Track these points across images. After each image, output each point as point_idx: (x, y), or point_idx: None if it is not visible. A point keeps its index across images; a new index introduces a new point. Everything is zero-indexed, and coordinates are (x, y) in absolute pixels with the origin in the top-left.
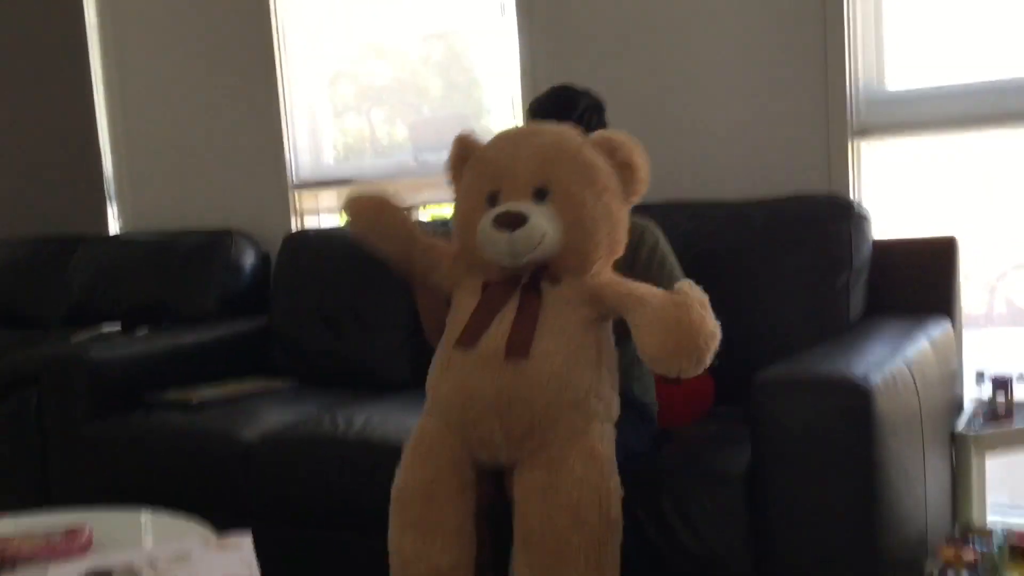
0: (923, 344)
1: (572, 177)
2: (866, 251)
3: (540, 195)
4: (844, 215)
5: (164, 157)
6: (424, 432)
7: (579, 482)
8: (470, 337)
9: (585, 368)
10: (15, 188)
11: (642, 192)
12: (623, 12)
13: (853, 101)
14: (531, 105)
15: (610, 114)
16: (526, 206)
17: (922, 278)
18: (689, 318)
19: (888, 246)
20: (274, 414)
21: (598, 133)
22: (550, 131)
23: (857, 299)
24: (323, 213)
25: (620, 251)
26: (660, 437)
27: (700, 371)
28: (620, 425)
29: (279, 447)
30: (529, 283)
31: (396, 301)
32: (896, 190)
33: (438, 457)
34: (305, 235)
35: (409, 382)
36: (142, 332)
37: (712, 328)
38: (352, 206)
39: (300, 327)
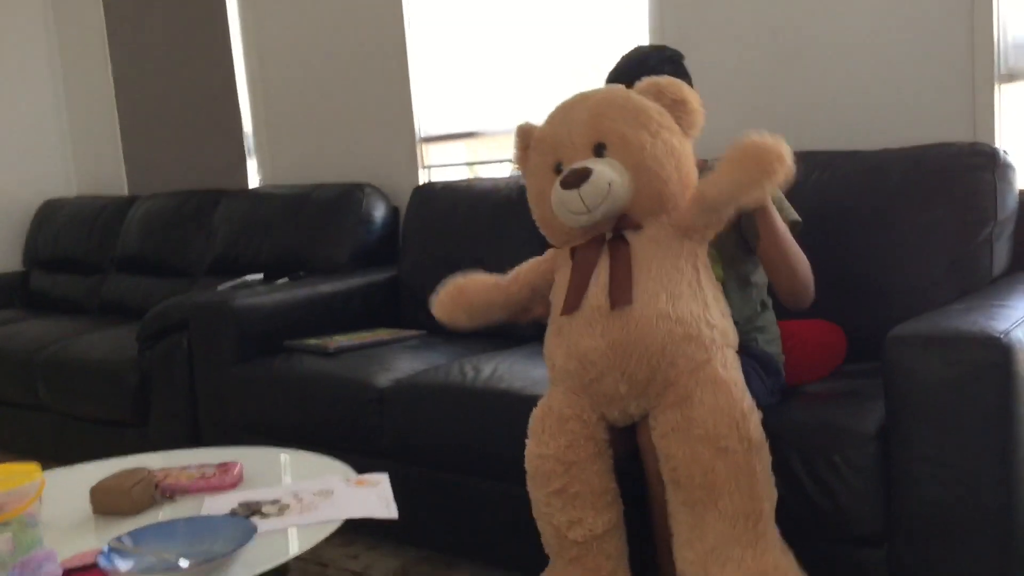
0: None
1: (625, 124)
2: (1012, 202)
3: (599, 150)
4: (989, 164)
5: (299, 113)
6: (552, 402)
7: (711, 411)
8: (572, 301)
9: (690, 300)
10: (164, 146)
11: (700, 124)
12: None
13: (1000, 45)
14: (608, 74)
15: (744, 62)
16: (588, 161)
17: None
18: (748, 137)
19: None
20: (405, 362)
21: (646, 80)
22: (596, 92)
23: (1001, 253)
24: (449, 166)
25: (693, 184)
26: (787, 392)
27: (785, 173)
28: (745, 376)
29: (410, 393)
30: (614, 236)
31: (522, 253)
32: None
33: (570, 424)
34: (432, 187)
35: (533, 335)
36: (282, 282)
37: (777, 142)
38: (441, 312)
39: (428, 278)
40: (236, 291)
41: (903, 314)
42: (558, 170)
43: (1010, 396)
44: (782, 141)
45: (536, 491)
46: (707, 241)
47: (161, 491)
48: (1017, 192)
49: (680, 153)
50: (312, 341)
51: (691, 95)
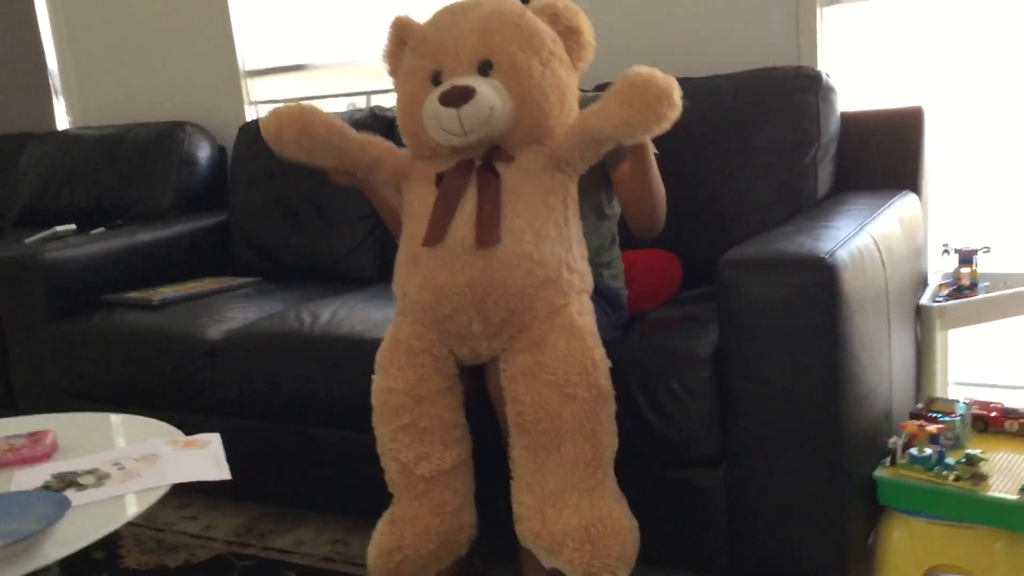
0: (890, 219)
1: (516, 46)
2: (834, 125)
3: (485, 68)
4: (812, 87)
5: (110, 48)
6: (400, 335)
7: (563, 358)
8: (436, 233)
9: (555, 241)
10: None
11: (589, 58)
12: None
13: None
14: None
15: None
16: (472, 80)
17: (890, 151)
18: (639, 73)
19: (856, 118)
20: (238, 311)
21: (535, 1)
22: (489, 2)
23: (825, 174)
24: (278, 102)
25: (572, 118)
26: (629, 322)
27: (675, 116)
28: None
29: (244, 344)
30: (483, 165)
31: (358, 193)
32: (864, 59)
33: (420, 357)
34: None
35: (374, 276)
36: (98, 232)
37: (666, 76)
38: (271, 126)
39: (260, 222)
40: (45, 243)
41: (736, 238)
42: (436, 81)
43: (835, 315)
44: (673, 81)
45: (383, 426)
46: (579, 175)
47: None
48: (839, 114)
49: (566, 87)
50: (133, 294)
51: (586, 25)
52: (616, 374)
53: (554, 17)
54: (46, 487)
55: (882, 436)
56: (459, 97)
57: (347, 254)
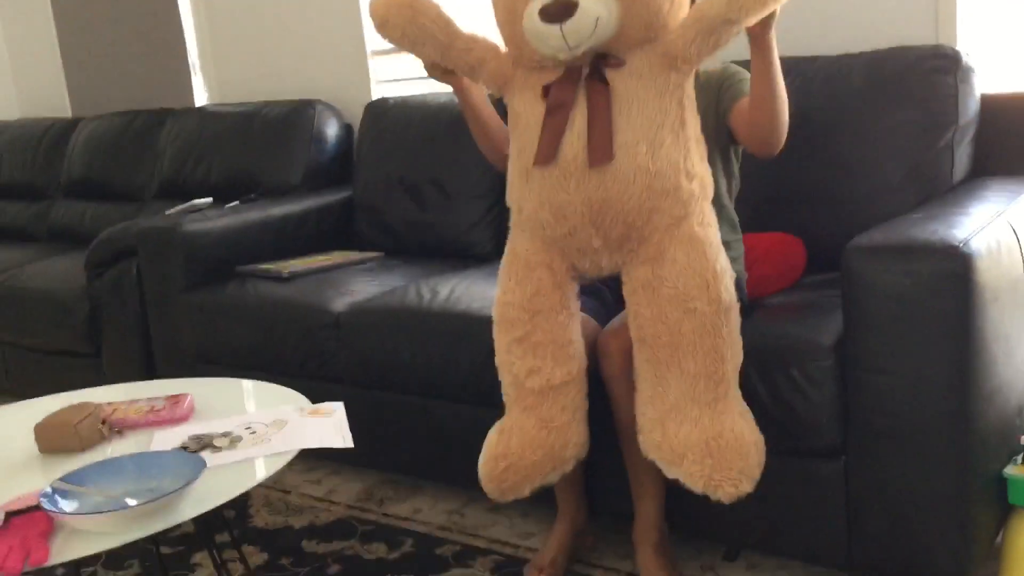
0: None
1: None
2: (973, 107)
3: None
4: (951, 67)
5: (245, 28)
6: (518, 248)
7: (683, 271)
8: (546, 153)
9: (671, 148)
10: (102, 64)
11: None
12: None
13: None
14: None
15: None
16: None
17: None
18: None
19: (997, 101)
20: (361, 285)
21: None
22: None
23: (962, 158)
24: (403, 80)
25: (684, 9)
26: (749, 308)
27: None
28: None
29: (366, 317)
30: (592, 73)
31: (478, 171)
32: (1006, 39)
33: (537, 272)
34: (385, 103)
35: (492, 253)
36: (232, 205)
37: None
38: (380, 9)
39: (383, 198)
40: (184, 216)
41: (863, 222)
42: None
43: (968, 306)
44: None
45: (500, 337)
46: (694, 70)
47: (109, 426)
48: (978, 96)
49: None
50: (266, 266)
51: None
52: None
53: None
54: (183, 448)
55: (1015, 433)
56: (561, 12)
57: (467, 231)
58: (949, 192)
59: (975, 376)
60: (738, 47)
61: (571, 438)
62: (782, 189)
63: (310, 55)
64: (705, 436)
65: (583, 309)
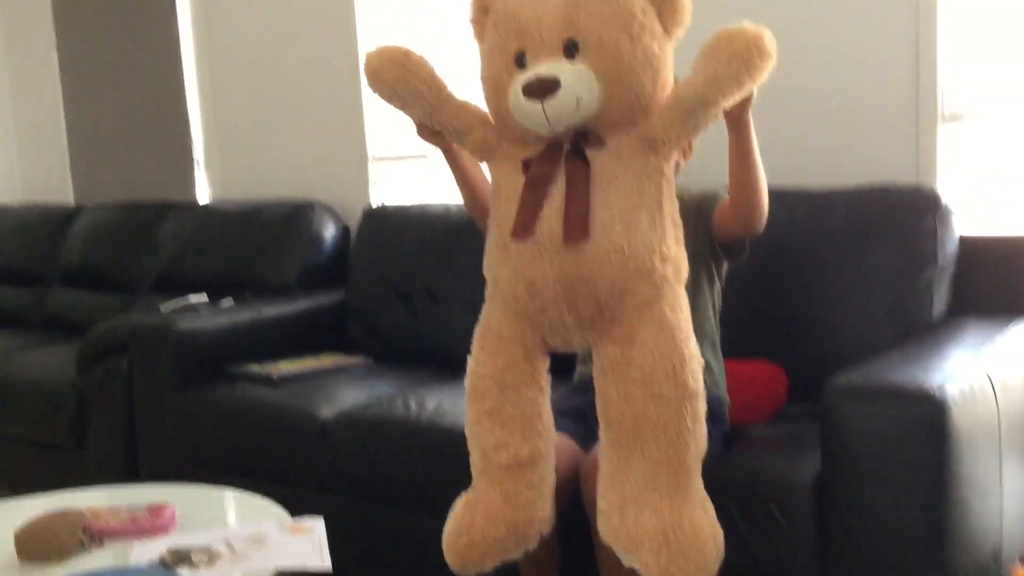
0: (1006, 350)
1: (603, 23)
2: (952, 248)
3: (571, 50)
4: (930, 208)
5: (251, 127)
6: (491, 320)
7: (651, 355)
8: (524, 226)
9: (647, 230)
10: (111, 155)
11: (685, 22)
12: None
13: (943, 85)
14: None
15: None
16: (557, 66)
17: (1009, 278)
18: (725, 28)
19: (975, 242)
20: (350, 392)
21: None
22: None
23: (941, 297)
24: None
25: (667, 93)
26: (731, 436)
27: (766, 66)
28: None
29: (353, 427)
30: (572, 150)
31: (471, 282)
32: (984, 184)
33: (509, 345)
34: (384, 210)
35: None
36: (227, 303)
37: (756, 26)
38: (373, 61)
39: (376, 302)
40: (178, 313)
41: (845, 355)
42: (520, 62)
43: (943, 452)
44: (763, 29)
45: (470, 408)
46: (674, 154)
47: (89, 536)
48: (957, 236)
49: (659, 61)
50: (256, 368)
51: None
52: (714, 490)
53: None
54: (162, 562)
55: None
56: (544, 90)
57: (456, 339)
58: (928, 331)
59: (950, 522)
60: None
61: (536, 514)
62: (766, 317)
63: (313, 157)
64: (663, 525)
65: (563, 431)
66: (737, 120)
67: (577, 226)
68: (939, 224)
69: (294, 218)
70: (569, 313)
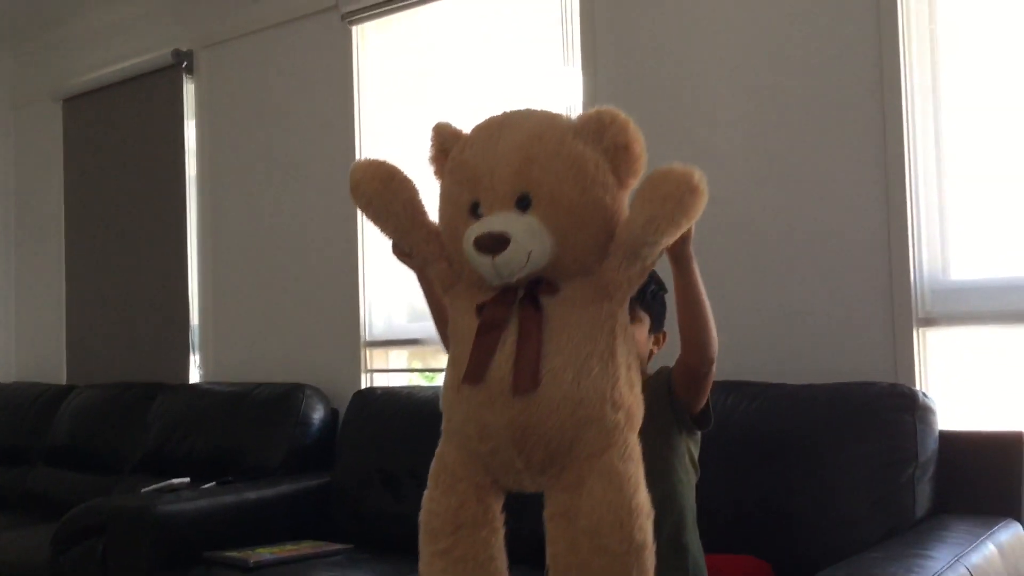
0: (989, 549)
1: (555, 177)
2: (932, 444)
3: (523, 202)
4: (909, 406)
5: (248, 310)
6: (446, 458)
7: (598, 505)
8: (475, 372)
9: (599, 377)
10: (103, 334)
11: (640, 173)
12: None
13: (917, 290)
14: None
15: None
16: (508, 221)
17: (991, 475)
18: (657, 169)
19: (955, 438)
20: None
21: (582, 114)
22: (528, 121)
23: (923, 493)
24: (393, 372)
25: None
26: None
27: (699, 203)
28: None
29: None
30: (526, 296)
31: None
32: (962, 381)
33: (462, 484)
34: (373, 392)
35: None
36: (209, 487)
37: (685, 165)
38: (357, 172)
39: (361, 485)
40: (159, 495)
41: (829, 550)
42: (474, 211)
43: None
44: (692, 168)
45: (424, 547)
46: (628, 298)
47: None
48: (937, 433)
49: (612, 212)
50: (232, 553)
51: (635, 138)
52: None
53: (599, 133)
54: None
55: None
56: (493, 245)
57: None
58: (911, 529)
59: None
60: None
61: None
62: (749, 511)
63: (307, 340)
64: None
65: None
66: (678, 255)
67: (527, 376)
68: (918, 421)
69: (283, 400)
70: (520, 458)
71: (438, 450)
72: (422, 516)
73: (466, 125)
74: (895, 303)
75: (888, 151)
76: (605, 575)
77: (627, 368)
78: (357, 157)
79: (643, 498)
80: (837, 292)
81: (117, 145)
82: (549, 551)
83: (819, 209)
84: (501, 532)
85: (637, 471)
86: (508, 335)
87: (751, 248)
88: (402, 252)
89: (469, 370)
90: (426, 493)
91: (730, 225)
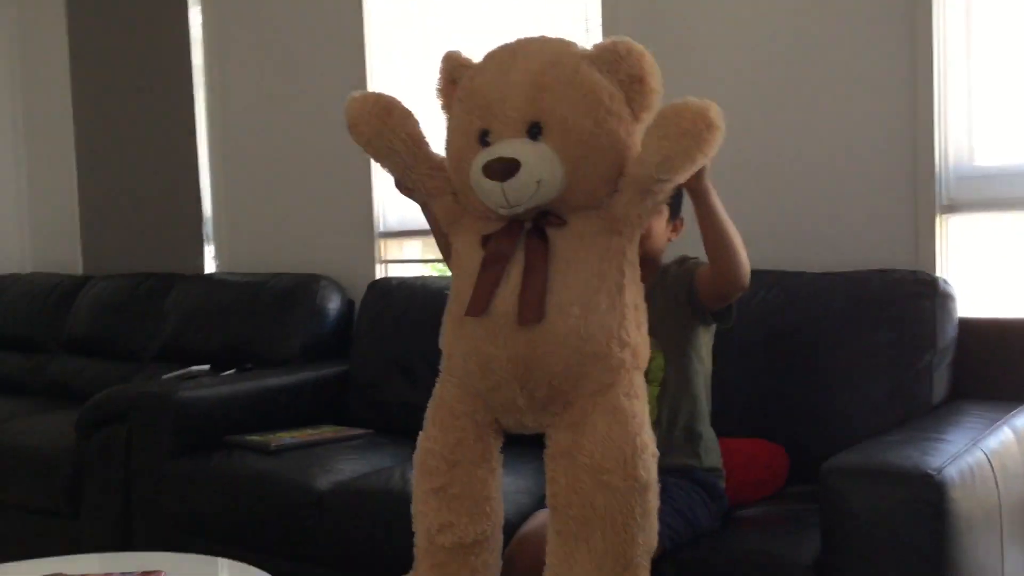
0: (1006, 434)
1: (568, 106)
2: (951, 331)
3: (534, 131)
4: (929, 292)
5: (261, 201)
6: (444, 395)
7: (602, 441)
8: (479, 304)
9: (606, 313)
10: (122, 227)
11: (655, 106)
12: (706, 81)
13: (941, 176)
14: None
15: None
16: (519, 147)
17: (1009, 360)
18: (671, 104)
19: (975, 325)
20: (348, 463)
21: (598, 43)
22: (541, 50)
23: (941, 380)
24: (407, 262)
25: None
26: (729, 513)
27: (716, 138)
28: (688, 501)
29: (349, 498)
30: (533, 229)
31: None
32: (984, 268)
33: (460, 421)
34: (388, 283)
35: None
36: (228, 374)
37: (701, 100)
38: (353, 109)
39: (378, 375)
40: (179, 382)
41: (844, 437)
42: (483, 139)
43: (942, 535)
44: (711, 104)
45: (417, 485)
46: (638, 234)
47: None
48: (956, 320)
49: (625, 144)
50: (254, 437)
51: (651, 71)
52: (712, 570)
53: (615, 64)
54: None
55: None
56: (503, 171)
57: None
58: (928, 414)
59: None
60: None
61: None
62: (767, 399)
63: (321, 231)
64: None
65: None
66: (696, 190)
67: (532, 308)
68: (938, 308)
69: (299, 290)
70: (522, 394)
71: (437, 387)
72: (417, 455)
73: (477, 54)
74: (918, 189)
75: (916, 33)
76: (608, 512)
77: (634, 308)
78: (367, 43)
79: (648, 436)
80: (859, 179)
81: (122, 32)
82: (549, 491)
83: (843, 93)
84: (499, 473)
85: (643, 409)
86: (513, 267)
87: (772, 133)
88: (406, 187)
89: (473, 302)
90: (422, 433)
91: (751, 110)
